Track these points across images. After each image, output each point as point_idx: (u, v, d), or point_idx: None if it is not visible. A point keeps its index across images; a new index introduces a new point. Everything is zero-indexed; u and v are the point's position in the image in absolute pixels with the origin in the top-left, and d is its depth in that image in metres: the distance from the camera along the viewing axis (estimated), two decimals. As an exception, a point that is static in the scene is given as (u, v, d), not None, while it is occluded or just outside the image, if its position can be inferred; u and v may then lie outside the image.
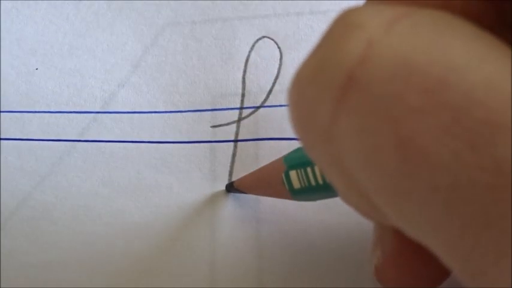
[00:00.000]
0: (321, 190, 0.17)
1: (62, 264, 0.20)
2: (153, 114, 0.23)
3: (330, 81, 0.11)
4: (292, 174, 0.18)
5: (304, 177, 0.17)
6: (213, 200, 0.21)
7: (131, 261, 0.20)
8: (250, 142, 0.22)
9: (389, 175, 0.10)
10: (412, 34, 0.10)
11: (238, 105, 0.23)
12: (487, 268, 0.09)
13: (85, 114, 0.23)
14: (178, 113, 0.23)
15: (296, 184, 0.18)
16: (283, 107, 0.23)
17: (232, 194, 0.21)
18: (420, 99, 0.10)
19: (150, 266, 0.20)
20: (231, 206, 0.21)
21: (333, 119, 0.11)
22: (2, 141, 0.23)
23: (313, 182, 0.17)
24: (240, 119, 0.23)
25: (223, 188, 0.21)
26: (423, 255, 0.12)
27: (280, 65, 0.23)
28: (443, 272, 0.11)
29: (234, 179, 0.21)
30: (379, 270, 0.16)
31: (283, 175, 0.18)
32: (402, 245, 0.15)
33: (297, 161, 0.18)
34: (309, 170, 0.17)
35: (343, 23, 0.11)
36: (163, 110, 0.23)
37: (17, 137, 0.23)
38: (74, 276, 0.20)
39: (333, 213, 0.20)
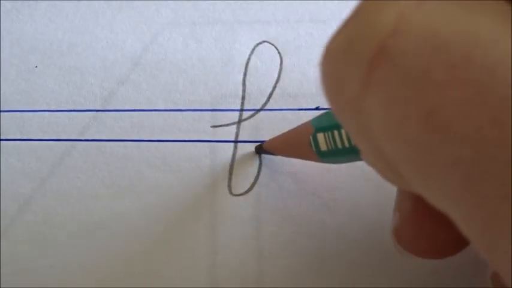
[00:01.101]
0: (347, 153, 0.18)
1: (63, 268, 0.20)
2: (153, 112, 0.23)
3: (361, 52, 0.11)
4: (320, 136, 0.18)
5: (331, 140, 0.18)
6: (213, 199, 0.21)
7: (131, 263, 0.20)
8: (250, 143, 0.22)
9: (414, 146, 0.10)
10: (442, 9, 0.10)
11: (238, 107, 0.23)
12: (501, 241, 0.09)
13: (85, 113, 0.23)
14: (178, 112, 0.23)
15: (323, 146, 0.18)
16: (283, 111, 0.23)
17: (232, 195, 0.21)
18: (446, 74, 0.10)
19: (150, 266, 0.20)
20: (231, 206, 0.21)
21: (362, 89, 0.11)
22: (2, 142, 0.23)
23: (339, 145, 0.17)
24: (240, 121, 0.23)
25: (224, 187, 0.21)
26: (439, 219, 0.12)
27: (280, 69, 0.24)
28: (462, 240, 0.12)
29: (233, 179, 0.22)
30: (398, 231, 0.16)
31: (310, 137, 0.18)
32: (418, 208, 0.16)
33: (324, 124, 0.18)
34: (336, 133, 0.17)
35: None
36: (163, 108, 0.23)
37: (17, 137, 0.23)
38: (74, 278, 0.20)
39: (333, 214, 0.21)
